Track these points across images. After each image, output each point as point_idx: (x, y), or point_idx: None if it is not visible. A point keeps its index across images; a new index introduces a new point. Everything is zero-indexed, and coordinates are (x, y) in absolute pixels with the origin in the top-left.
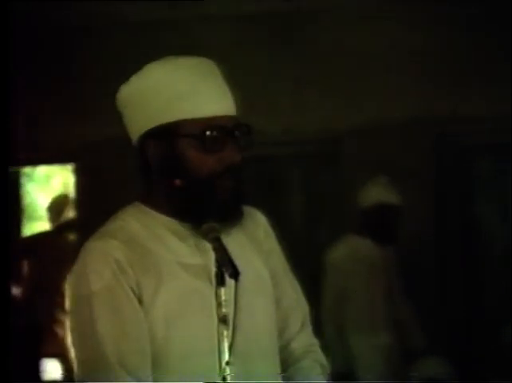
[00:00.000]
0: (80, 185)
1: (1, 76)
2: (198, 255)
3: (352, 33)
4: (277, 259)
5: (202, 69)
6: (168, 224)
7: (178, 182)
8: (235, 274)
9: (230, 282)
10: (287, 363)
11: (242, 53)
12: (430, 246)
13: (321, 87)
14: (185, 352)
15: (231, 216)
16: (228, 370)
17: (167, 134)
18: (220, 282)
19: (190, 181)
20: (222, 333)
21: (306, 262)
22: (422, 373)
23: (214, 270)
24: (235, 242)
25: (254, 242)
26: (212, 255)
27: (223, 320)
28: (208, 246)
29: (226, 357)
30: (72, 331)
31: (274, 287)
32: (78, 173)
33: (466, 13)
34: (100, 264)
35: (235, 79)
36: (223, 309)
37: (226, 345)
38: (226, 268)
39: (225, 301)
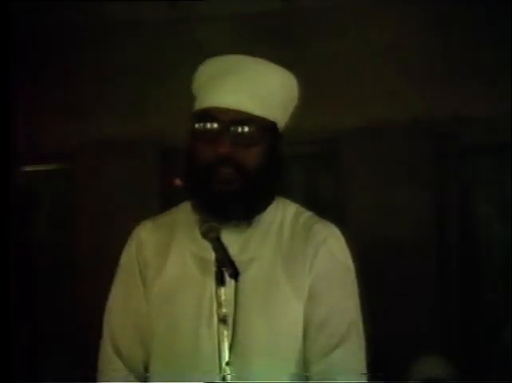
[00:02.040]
0: (79, 185)
1: (2, 76)
2: (209, 251)
3: (352, 34)
4: (322, 277)
5: (232, 65)
6: (197, 218)
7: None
8: (235, 274)
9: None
10: None
11: (241, 53)
12: (430, 246)
13: (321, 87)
14: (166, 337)
15: (233, 209)
16: (228, 370)
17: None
18: (220, 282)
19: (194, 172)
20: (223, 333)
21: None
22: (422, 373)
23: (214, 269)
24: (243, 239)
25: (291, 251)
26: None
27: (223, 320)
28: (227, 243)
29: (226, 357)
30: None
31: (307, 303)
32: (78, 173)
33: (466, 13)
34: (129, 242)
35: None
36: (223, 310)
37: (226, 345)
38: (227, 268)
39: (225, 301)
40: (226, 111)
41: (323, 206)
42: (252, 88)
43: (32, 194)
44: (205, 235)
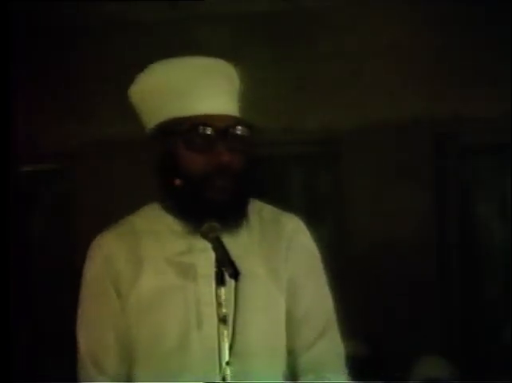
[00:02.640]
0: (79, 185)
1: (2, 76)
2: (189, 254)
3: (352, 33)
4: (298, 270)
5: (205, 69)
6: (170, 223)
7: (177, 181)
8: (235, 274)
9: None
10: (295, 375)
11: (241, 53)
12: (430, 246)
13: (321, 87)
14: (152, 347)
15: (227, 217)
16: (228, 370)
17: (164, 133)
18: (220, 282)
19: (185, 180)
20: (223, 333)
21: None
22: (422, 373)
23: (214, 270)
24: (235, 243)
25: (266, 247)
26: (205, 256)
27: (223, 320)
28: (205, 247)
29: (226, 357)
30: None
31: (288, 297)
32: (78, 173)
33: (466, 13)
34: (92, 257)
35: None
36: (223, 310)
37: (226, 345)
38: (227, 268)
39: (225, 301)
40: (218, 117)
41: (323, 206)
42: (228, 89)
43: (32, 194)
44: (205, 235)
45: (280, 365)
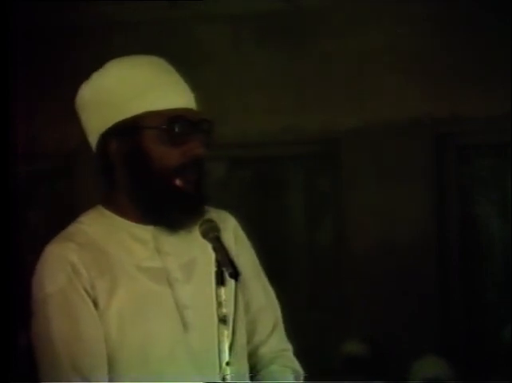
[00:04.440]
0: (79, 185)
1: (2, 76)
2: (157, 258)
3: (352, 33)
4: (245, 263)
5: (159, 66)
6: (128, 228)
7: (142, 177)
8: (235, 274)
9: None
10: (256, 368)
11: (241, 53)
12: (430, 246)
13: (321, 87)
14: (139, 356)
15: (195, 211)
16: (228, 370)
17: (132, 129)
18: (220, 281)
19: (154, 176)
20: (223, 333)
21: (306, 262)
22: (422, 373)
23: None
24: (195, 241)
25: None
26: (172, 259)
27: (223, 320)
28: (170, 250)
29: (226, 357)
30: (32, 333)
31: (242, 291)
32: (78, 173)
33: (466, 13)
34: (55, 267)
35: (235, 79)
36: (223, 310)
37: (226, 345)
38: (227, 268)
39: (225, 301)
40: (190, 111)
41: (323, 206)
42: (184, 85)
43: (32, 194)
44: (205, 235)
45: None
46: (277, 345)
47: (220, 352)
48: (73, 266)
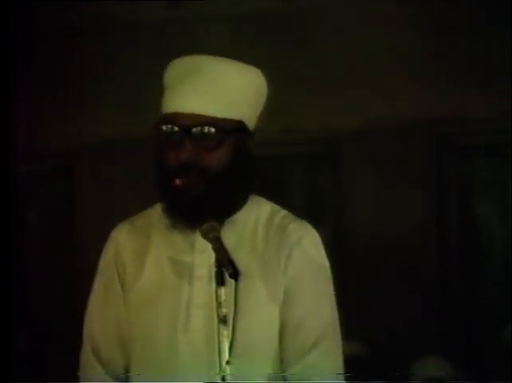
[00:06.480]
0: (79, 185)
1: (2, 76)
2: (190, 254)
3: (352, 33)
4: (296, 279)
5: (192, 67)
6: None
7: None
8: (235, 274)
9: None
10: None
11: (241, 53)
12: (430, 246)
13: (321, 87)
14: (144, 345)
15: (195, 211)
16: (228, 370)
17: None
18: (220, 281)
19: (159, 176)
20: (223, 333)
21: None
22: (422, 373)
23: (208, 271)
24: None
25: (267, 255)
26: (202, 257)
27: (223, 320)
28: (204, 248)
29: (227, 356)
30: None
31: (282, 306)
32: (78, 173)
33: (465, 13)
34: (108, 245)
35: None
36: (223, 310)
37: (226, 345)
38: (227, 268)
39: (225, 301)
40: (186, 116)
41: (323, 206)
42: (212, 89)
43: (32, 194)
44: (205, 235)
45: (258, 367)
46: (312, 364)
47: (220, 351)
48: (117, 247)
